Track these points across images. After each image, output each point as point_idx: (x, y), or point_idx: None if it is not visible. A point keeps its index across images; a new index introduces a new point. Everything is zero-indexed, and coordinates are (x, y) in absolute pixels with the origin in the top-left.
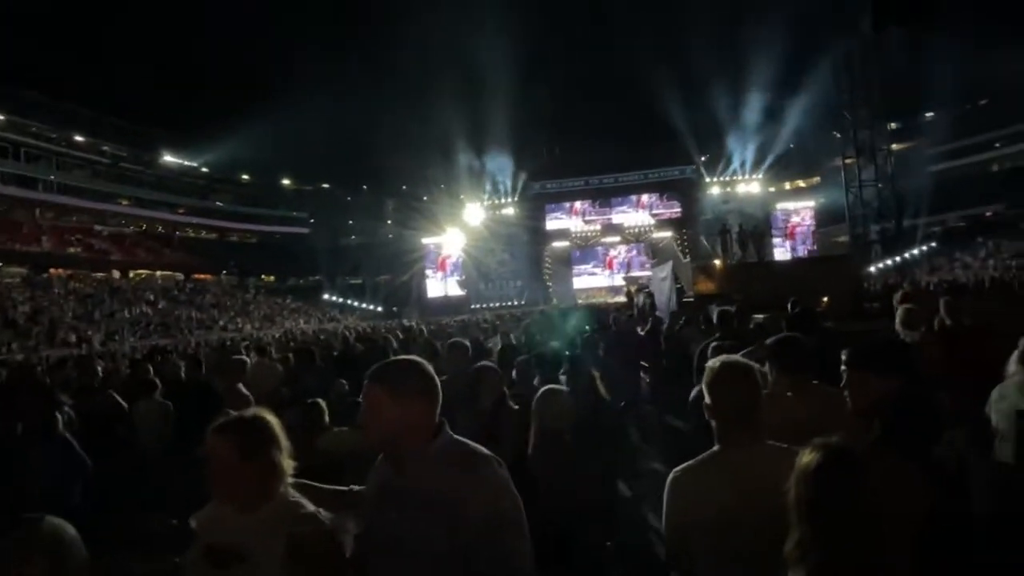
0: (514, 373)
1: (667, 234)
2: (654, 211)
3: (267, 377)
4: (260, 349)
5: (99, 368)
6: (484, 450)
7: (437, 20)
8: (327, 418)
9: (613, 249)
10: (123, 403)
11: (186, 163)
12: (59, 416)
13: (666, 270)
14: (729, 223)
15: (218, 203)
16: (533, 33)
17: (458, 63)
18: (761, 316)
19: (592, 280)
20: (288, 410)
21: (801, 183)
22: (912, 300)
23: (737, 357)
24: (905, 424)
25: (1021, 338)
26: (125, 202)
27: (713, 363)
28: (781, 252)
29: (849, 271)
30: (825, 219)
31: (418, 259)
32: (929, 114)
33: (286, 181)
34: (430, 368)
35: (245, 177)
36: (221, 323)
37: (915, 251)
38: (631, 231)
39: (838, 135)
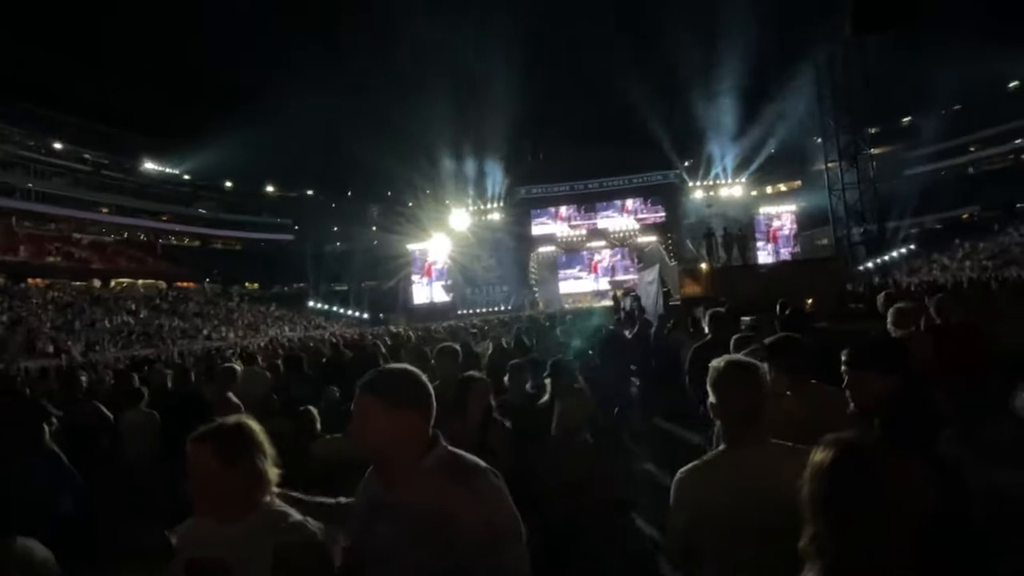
0: (506, 379)
1: (652, 238)
2: (639, 216)
3: (257, 385)
4: (248, 357)
5: (83, 378)
6: (480, 462)
7: (422, 26)
8: (319, 425)
9: (598, 254)
10: (108, 414)
11: (168, 170)
12: (47, 428)
13: (653, 274)
14: (713, 227)
15: (201, 210)
16: (517, 39)
17: (442, 69)
18: (749, 318)
19: (578, 285)
20: (279, 417)
21: (783, 187)
22: (897, 301)
23: (742, 356)
24: (907, 422)
25: None
26: (106, 210)
27: (718, 363)
28: (764, 255)
29: (833, 273)
30: (807, 222)
31: (404, 265)
32: (906, 119)
33: (270, 188)
34: (424, 378)
35: (228, 184)
36: (205, 332)
37: (894, 253)
38: (616, 235)
39: (818, 140)
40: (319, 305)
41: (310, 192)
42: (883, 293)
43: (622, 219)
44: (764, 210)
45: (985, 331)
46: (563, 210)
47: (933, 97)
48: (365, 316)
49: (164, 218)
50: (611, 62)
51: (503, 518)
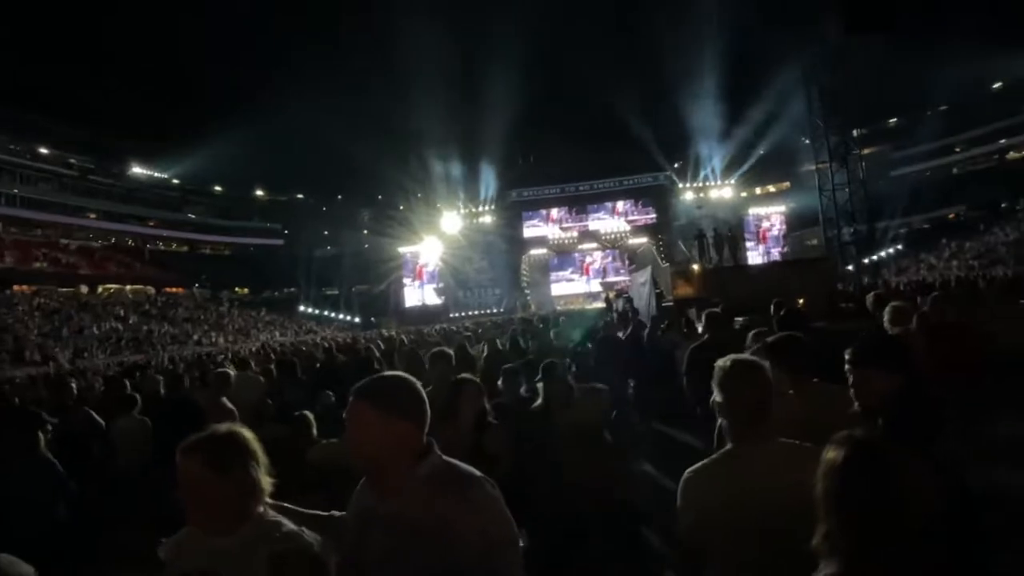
0: (500, 382)
1: (643, 240)
2: (629, 217)
3: (251, 390)
4: (241, 362)
5: (73, 386)
6: (474, 471)
7: (412, 30)
8: (315, 430)
9: (589, 256)
10: (100, 421)
11: (156, 175)
12: (42, 435)
13: (645, 275)
14: (704, 228)
15: (190, 215)
16: (508, 42)
17: (433, 72)
18: (741, 318)
19: (570, 287)
20: (274, 423)
21: (772, 188)
22: (885, 300)
23: (747, 356)
24: (912, 420)
25: None
26: (93, 215)
27: (724, 362)
28: (754, 255)
29: (823, 273)
30: (796, 223)
31: (395, 268)
32: (892, 120)
33: (260, 192)
34: (419, 385)
35: (217, 189)
36: (195, 337)
37: (882, 253)
38: (607, 237)
39: (806, 140)
40: (310, 309)
41: (300, 196)
42: (872, 293)
43: (613, 221)
44: (753, 211)
45: (980, 330)
46: (554, 212)
47: (919, 98)
48: (356, 320)
49: (152, 223)
50: (601, 65)
51: (498, 527)
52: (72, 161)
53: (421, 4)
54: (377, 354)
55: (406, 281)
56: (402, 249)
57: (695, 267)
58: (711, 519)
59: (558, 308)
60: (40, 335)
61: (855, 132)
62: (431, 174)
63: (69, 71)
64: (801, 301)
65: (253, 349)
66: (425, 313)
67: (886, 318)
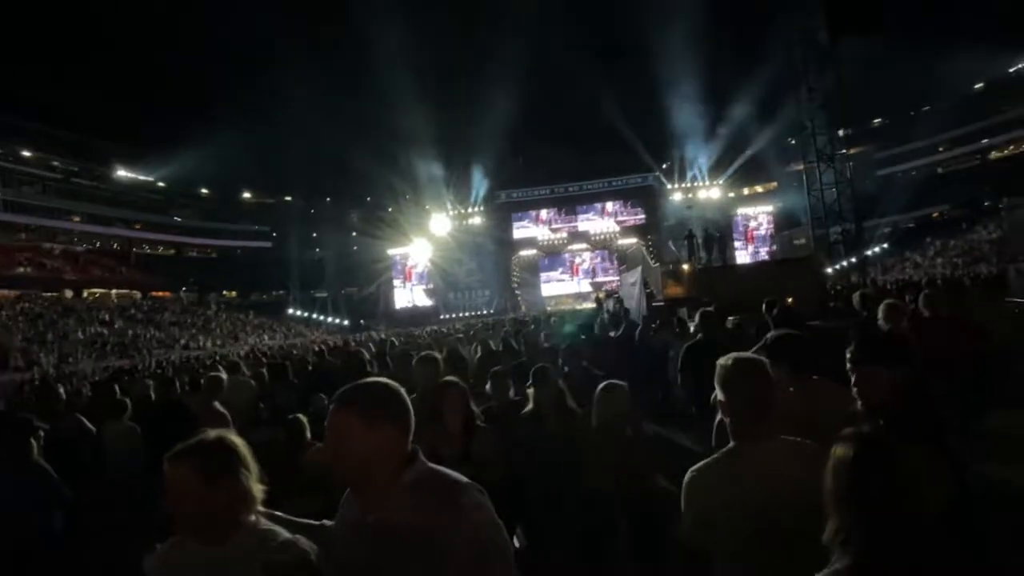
0: (488, 386)
1: (632, 240)
2: (619, 218)
3: (242, 394)
4: (232, 365)
5: (61, 391)
6: (461, 478)
7: (401, 32)
8: (309, 434)
9: (579, 256)
10: (91, 426)
11: (142, 177)
12: (34, 443)
13: (635, 275)
14: (694, 228)
15: (176, 218)
16: (496, 44)
17: (422, 74)
18: (732, 318)
19: (560, 287)
20: (267, 427)
21: (759, 188)
22: (872, 298)
23: (749, 354)
24: (915, 416)
25: None
26: (77, 219)
27: (726, 360)
28: (742, 255)
29: (812, 272)
30: (783, 223)
31: (384, 270)
32: (877, 120)
33: (247, 194)
34: (403, 390)
35: (204, 191)
36: (182, 341)
37: (868, 252)
38: (597, 238)
39: (792, 141)
40: (298, 312)
41: (288, 198)
42: (859, 292)
43: (602, 222)
44: (742, 211)
45: (975, 325)
46: (543, 213)
47: (903, 99)
48: (345, 322)
49: (138, 226)
50: (590, 66)
51: (488, 534)
52: (55, 163)
53: (410, 6)
54: (369, 357)
55: (396, 283)
56: (391, 251)
57: (685, 267)
58: (715, 517)
59: (548, 308)
60: (24, 340)
61: (840, 132)
62: (420, 176)
63: (51, 72)
64: (790, 300)
65: (242, 353)
66: (415, 315)
67: (880, 315)
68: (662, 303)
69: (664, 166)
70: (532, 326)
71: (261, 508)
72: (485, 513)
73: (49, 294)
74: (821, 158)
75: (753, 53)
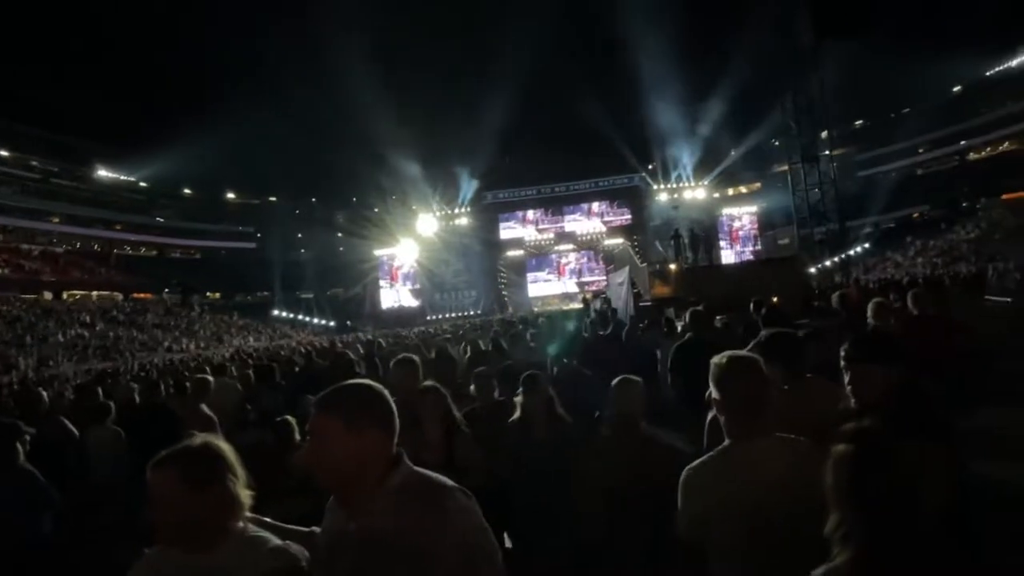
0: (472, 387)
1: (618, 241)
2: (605, 218)
3: (229, 397)
4: (218, 368)
5: (44, 394)
6: (448, 481)
7: (386, 30)
8: (298, 435)
9: (565, 256)
10: (74, 430)
11: (123, 178)
12: (19, 447)
13: (623, 275)
14: (680, 228)
15: (158, 218)
16: (482, 45)
17: (408, 73)
18: (720, 317)
19: (547, 287)
20: (255, 429)
21: (743, 189)
22: (856, 299)
23: (744, 352)
24: (911, 412)
25: None
26: (56, 219)
27: (720, 358)
28: (727, 255)
29: (796, 271)
30: (767, 223)
31: (370, 270)
32: (858, 122)
33: (230, 195)
34: (386, 392)
35: (187, 191)
36: (165, 344)
37: (851, 251)
38: (583, 238)
39: (776, 142)
40: (284, 313)
41: (273, 199)
42: (837, 292)
43: (589, 222)
44: (727, 211)
45: (960, 323)
46: (530, 214)
47: (883, 102)
48: (331, 324)
49: (119, 227)
50: (575, 67)
51: (475, 538)
52: (34, 163)
53: (396, 6)
54: (356, 358)
55: (382, 284)
56: (377, 251)
57: (672, 267)
58: (711, 515)
59: (535, 309)
60: (2, 343)
61: (823, 134)
62: (406, 176)
63: (29, 71)
64: (775, 299)
65: (227, 355)
66: (401, 316)
67: (869, 313)
68: (649, 303)
69: (650, 167)
70: (520, 327)
71: (249, 514)
72: (472, 517)
73: (28, 296)
74: (805, 158)
75: (739, 56)
